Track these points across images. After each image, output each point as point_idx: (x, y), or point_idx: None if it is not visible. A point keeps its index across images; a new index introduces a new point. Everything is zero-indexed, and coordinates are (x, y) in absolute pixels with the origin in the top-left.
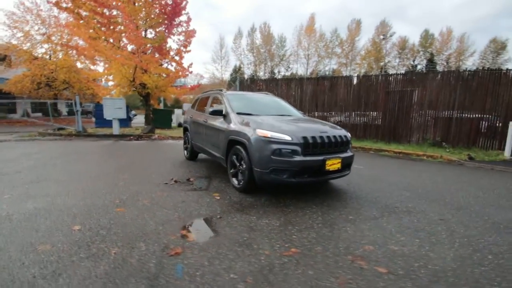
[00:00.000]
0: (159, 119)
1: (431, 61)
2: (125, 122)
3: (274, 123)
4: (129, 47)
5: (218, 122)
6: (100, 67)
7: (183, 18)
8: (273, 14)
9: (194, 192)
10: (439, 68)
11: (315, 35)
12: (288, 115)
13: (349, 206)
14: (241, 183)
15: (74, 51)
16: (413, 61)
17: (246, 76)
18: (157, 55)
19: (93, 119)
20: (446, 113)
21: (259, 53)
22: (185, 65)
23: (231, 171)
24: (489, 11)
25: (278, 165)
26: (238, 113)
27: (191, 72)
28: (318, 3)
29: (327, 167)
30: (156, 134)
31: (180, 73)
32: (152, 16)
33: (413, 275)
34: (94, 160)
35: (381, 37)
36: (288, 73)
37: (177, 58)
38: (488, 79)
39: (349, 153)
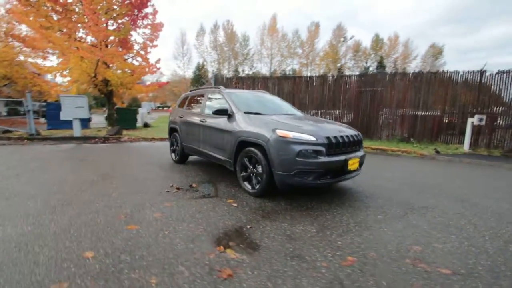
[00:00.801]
0: (123, 119)
1: (381, 64)
2: (84, 122)
3: (291, 123)
4: (88, 39)
5: (221, 123)
6: (49, 62)
7: (149, 10)
8: (235, 13)
9: (205, 200)
10: (388, 70)
11: (278, 35)
12: (292, 114)
13: (371, 205)
14: (256, 187)
15: (17, 42)
16: (366, 63)
17: (210, 74)
18: (120, 49)
19: (43, 120)
20: (412, 111)
21: (223, 51)
22: (151, 61)
23: (242, 174)
24: (428, 19)
25: (303, 167)
26: (246, 113)
27: (159, 69)
28: (277, 6)
29: (349, 167)
30: (125, 135)
31: (147, 69)
32: (115, 6)
33: (475, 273)
34: (65, 168)
35: (342, 39)
36: (251, 72)
37: (142, 53)
38: (447, 81)
39: (362, 152)
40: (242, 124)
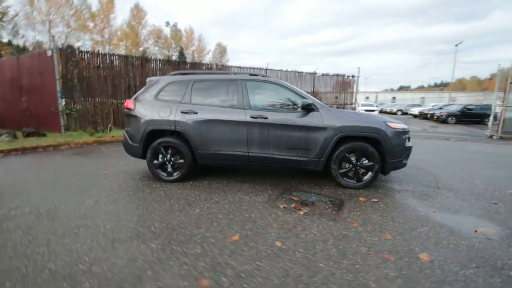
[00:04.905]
0: None
1: (182, 53)
2: None
3: (380, 116)
4: None
5: (303, 119)
6: None
7: None
8: None
9: (365, 209)
10: (188, 61)
11: None
12: None
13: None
14: (364, 179)
15: None
16: (169, 51)
17: None
18: None
19: None
20: None
21: None
22: None
23: (341, 171)
24: (208, 20)
25: (407, 152)
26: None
27: None
28: None
29: None
30: None
31: None
32: None
33: None
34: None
35: (165, 24)
36: (21, 41)
37: None
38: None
39: None
40: (335, 119)
